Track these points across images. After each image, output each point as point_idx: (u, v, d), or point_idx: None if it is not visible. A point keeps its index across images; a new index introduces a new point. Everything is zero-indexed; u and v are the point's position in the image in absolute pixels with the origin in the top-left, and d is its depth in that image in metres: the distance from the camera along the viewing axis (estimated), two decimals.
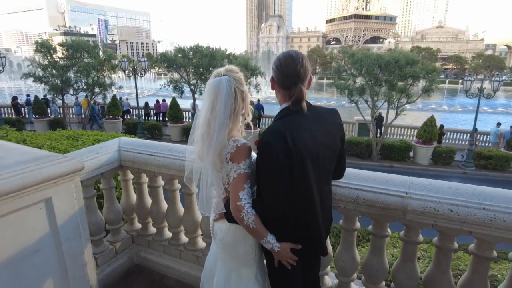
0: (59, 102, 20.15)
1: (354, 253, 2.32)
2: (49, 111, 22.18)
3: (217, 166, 1.67)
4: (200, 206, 1.94)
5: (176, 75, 20.91)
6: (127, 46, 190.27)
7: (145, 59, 19.91)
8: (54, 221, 2.12)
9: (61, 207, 2.15)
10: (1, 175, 1.85)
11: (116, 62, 20.46)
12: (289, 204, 1.60)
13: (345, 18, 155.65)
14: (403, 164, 17.06)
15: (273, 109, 29.58)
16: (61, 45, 18.26)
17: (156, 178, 3.03)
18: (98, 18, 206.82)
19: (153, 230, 3.30)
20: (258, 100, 23.03)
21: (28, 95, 23.98)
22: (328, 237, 2.47)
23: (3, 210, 1.86)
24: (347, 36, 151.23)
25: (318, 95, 50.89)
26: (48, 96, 20.57)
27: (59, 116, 21.23)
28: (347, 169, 2.20)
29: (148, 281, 3.12)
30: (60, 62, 18.34)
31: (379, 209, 1.99)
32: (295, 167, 1.54)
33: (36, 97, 21.43)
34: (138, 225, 3.40)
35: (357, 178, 2.09)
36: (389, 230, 2.19)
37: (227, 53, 21.90)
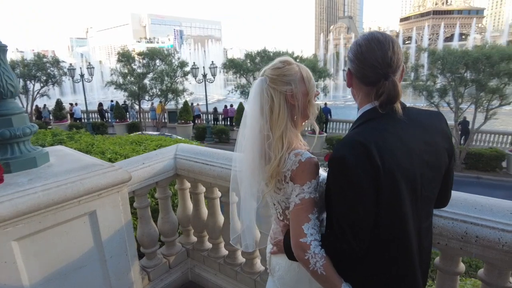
0: (137, 107, 21.83)
1: None
2: (128, 115, 24.17)
3: (269, 186, 1.30)
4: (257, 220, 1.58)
5: (243, 81, 21.13)
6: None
7: (214, 65, 20.50)
8: (99, 236, 1.94)
9: (106, 221, 1.96)
10: (45, 185, 1.71)
11: (187, 69, 21.41)
12: (373, 243, 1.13)
13: (422, 15, 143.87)
14: (493, 175, 14.81)
15: (343, 113, 28.09)
16: (139, 54, 19.81)
17: (212, 189, 2.77)
18: (174, 29, 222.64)
19: (209, 245, 3.04)
20: (325, 104, 22.30)
21: (112, 101, 26.47)
22: None
23: (47, 223, 1.72)
24: (423, 35, 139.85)
25: None
26: (127, 102, 22.45)
27: (136, 120, 22.99)
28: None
29: None
30: (138, 70, 19.89)
31: (501, 253, 1.41)
32: (383, 191, 1.06)
33: (117, 102, 23.57)
34: (194, 238, 3.17)
35: (465, 206, 1.53)
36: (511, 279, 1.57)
37: (294, 56, 21.49)
